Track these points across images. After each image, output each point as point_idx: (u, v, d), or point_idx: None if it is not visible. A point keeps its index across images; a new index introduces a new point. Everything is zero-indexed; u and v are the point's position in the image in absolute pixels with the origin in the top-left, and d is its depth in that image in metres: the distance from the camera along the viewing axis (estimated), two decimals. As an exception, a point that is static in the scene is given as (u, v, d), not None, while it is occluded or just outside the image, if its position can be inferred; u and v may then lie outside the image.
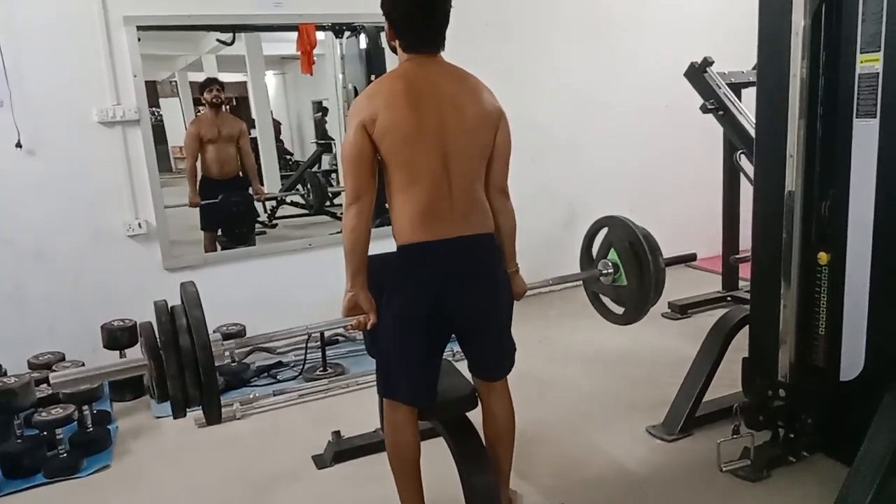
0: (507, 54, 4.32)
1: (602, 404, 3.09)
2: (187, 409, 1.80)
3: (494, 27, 4.28)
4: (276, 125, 7.28)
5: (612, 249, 2.48)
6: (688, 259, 2.78)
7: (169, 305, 1.81)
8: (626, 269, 2.44)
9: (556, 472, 2.56)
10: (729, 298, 4.28)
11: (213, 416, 1.81)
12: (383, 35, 4.22)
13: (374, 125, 1.84)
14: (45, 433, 2.76)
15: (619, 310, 2.56)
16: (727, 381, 2.79)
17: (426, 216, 1.88)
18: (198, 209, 4.72)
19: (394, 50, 1.98)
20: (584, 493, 2.42)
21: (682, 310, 4.20)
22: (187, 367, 1.72)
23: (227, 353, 1.87)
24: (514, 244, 2.12)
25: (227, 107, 5.14)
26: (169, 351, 1.72)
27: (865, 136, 2.13)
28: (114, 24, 3.48)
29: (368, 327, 1.97)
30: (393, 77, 1.95)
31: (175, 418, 1.82)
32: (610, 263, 2.49)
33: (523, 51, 4.49)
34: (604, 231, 2.54)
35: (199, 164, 4.82)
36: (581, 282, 2.66)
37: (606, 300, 2.61)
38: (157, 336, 1.75)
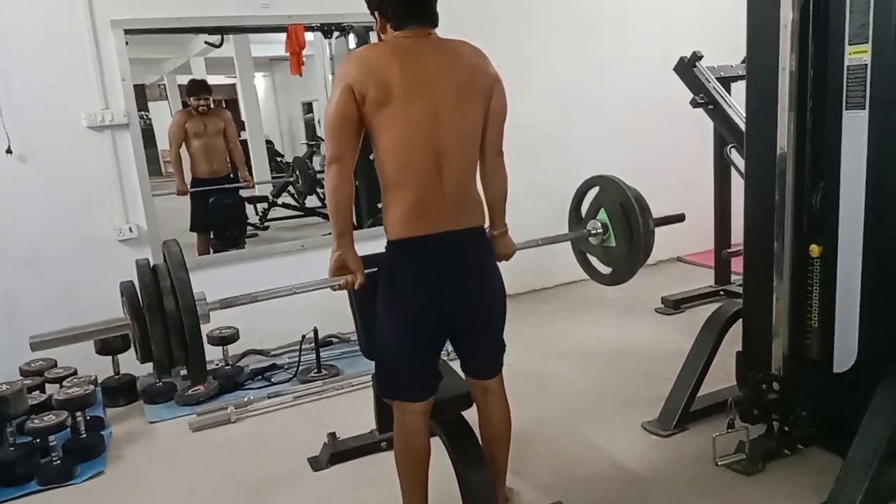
0: (495, 51, 4.20)
1: (597, 400, 3.09)
2: (172, 372, 1.78)
3: (482, 24, 4.25)
4: (269, 144, 7.26)
5: (602, 210, 2.45)
6: (676, 220, 2.74)
7: (151, 264, 1.77)
8: (615, 229, 2.42)
9: (552, 469, 2.56)
10: (721, 293, 4.29)
11: (200, 378, 1.78)
12: (372, 35, 4.25)
13: (365, 96, 1.79)
14: (38, 440, 2.74)
15: (606, 270, 2.53)
16: (721, 376, 2.80)
17: (417, 210, 1.86)
18: (188, 213, 4.71)
19: (381, 34, 1.94)
20: (580, 489, 2.42)
21: (674, 305, 4.20)
22: (172, 330, 1.68)
23: (209, 315, 1.81)
24: (504, 205, 2.10)
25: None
26: (153, 314, 1.68)
27: (855, 127, 2.13)
28: (101, 28, 3.45)
29: (356, 287, 1.93)
30: (382, 44, 1.93)
31: (159, 379, 1.79)
32: (599, 224, 2.46)
33: (511, 48, 4.46)
34: (594, 191, 2.52)
35: (187, 162, 4.80)
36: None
37: (594, 260, 2.58)
38: (140, 298, 1.70)
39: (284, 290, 2.05)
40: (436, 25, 1.93)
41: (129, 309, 1.71)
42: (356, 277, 1.92)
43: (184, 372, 1.83)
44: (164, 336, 1.68)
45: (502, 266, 2.10)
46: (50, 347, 1.91)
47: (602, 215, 2.46)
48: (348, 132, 1.83)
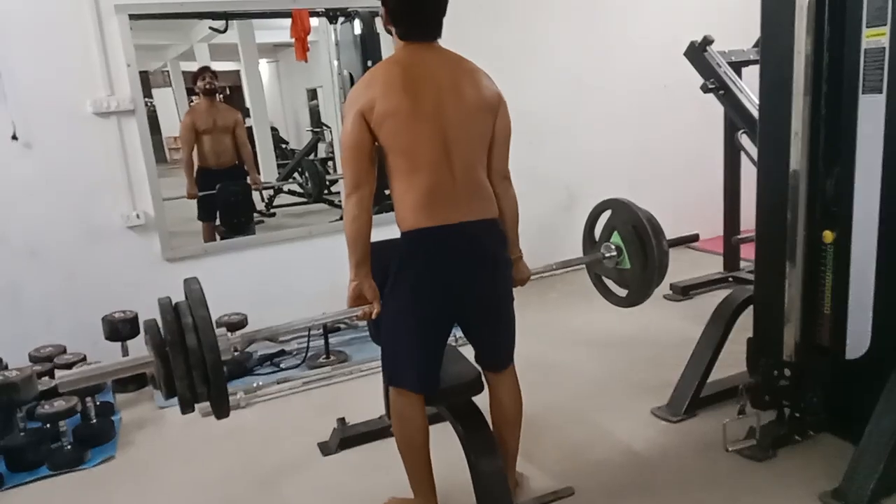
0: (500, 38, 4.28)
1: (606, 387, 3.09)
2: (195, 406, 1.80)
3: (487, 10, 4.23)
4: (273, 131, 7.24)
5: (616, 233, 2.47)
6: (690, 240, 2.78)
7: (173, 302, 1.79)
8: (629, 252, 2.43)
9: (562, 454, 2.56)
10: (730, 279, 4.28)
11: (222, 412, 1.81)
12: (378, 20, 4.21)
13: (373, 113, 1.82)
14: (48, 426, 2.75)
15: (622, 292, 2.55)
16: (731, 362, 2.79)
17: (429, 202, 1.87)
18: (195, 200, 4.70)
19: (389, 33, 1.96)
20: (590, 475, 2.42)
21: (683, 291, 4.19)
22: (195, 366, 1.71)
23: (232, 350, 1.87)
24: (517, 230, 2.11)
25: (221, 97, 5.09)
26: (176, 351, 1.71)
27: (872, 111, 2.11)
28: (105, 13, 3.42)
29: (373, 317, 1.96)
30: (389, 64, 1.93)
31: (183, 414, 1.81)
32: (613, 246, 2.48)
33: (516, 34, 4.45)
34: (606, 214, 2.53)
35: (195, 154, 4.79)
36: (583, 265, 2.64)
37: (609, 282, 2.60)
38: (163, 335, 1.73)
39: (304, 321, 2.16)
40: (440, 37, 1.95)
41: (153, 347, 1.75)
42: (373, 307, 1.94)
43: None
44: (187, 373, 1.72)
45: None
46: (77, 387, 1.97)
47: (615, 238, 2.47)
48: (364, 158, 1.86)
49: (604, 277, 2.60)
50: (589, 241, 2.59)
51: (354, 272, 1.93)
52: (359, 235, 1.88)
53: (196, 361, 1.72)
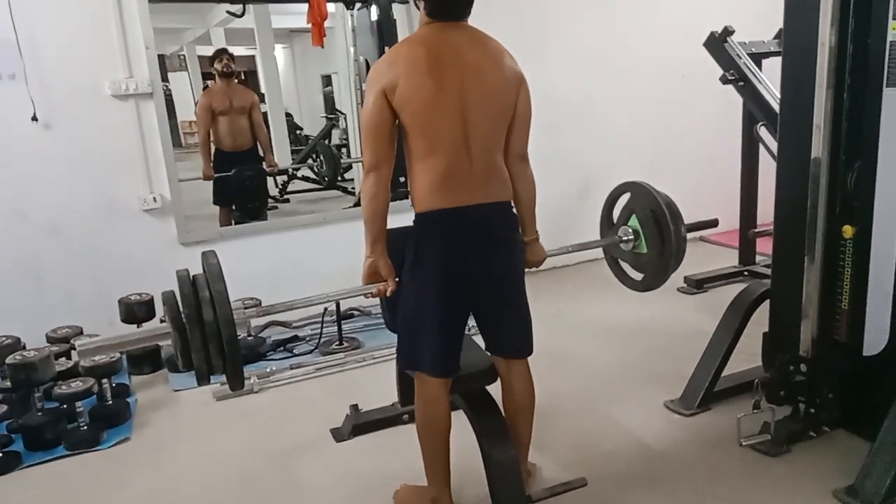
0: (521, 23, 4.24)
1: (619, 378, 3.08)
2: (211, 378, 1.82)
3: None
4: (288, 116, 7.25)
5: (634, 216, 2.44)
6: (709, 225, 2.73)
7: (191, 275, 1.80)
8: (646, 236, 2.40)
9: (574, 445, 2.56)
10: (746, 273, 4.24)
11: (237, 385, 1.83)
12: (395, 6, 4.19)
13: (395, 92, 1.81)
14: (65, 406, 2.78)
15: (637, 276, 2.52)
16: (746, 356, 2.77)
17: (446, 183, 1.87)
18: (211, 183, 4.72)
19: (418, 7, 1.93)
20: (602, 466, 2.42)
21: (697, 284, 4.17)
22: (211, 339, 1.73)
23: (247, 324, 1.89)
24: (534, 210, 2.09)
25: (237, 79, 5.11)
26: (193, 324, 1.72)
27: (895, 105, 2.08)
28: (125, -5, 3.43)
29: (388, 294, 1.96)
30: (413, 42, 1.91)
31: (199, 385, 1.84)
32: (630, 230, 2.44)
33: (538, 19, 4.41)
34: (625, 196, 2.49)
35: (211, 136, 4.81)
36: (599, 249, 2.62)
37: (625, 266, 2.57)
38: (181, 308, 1.75)
39: (318, 298, 2.12)
40: (468, 15, 1.92)
41: (170, 319, 1.76)
42: (388, 285, 1.94)
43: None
44: (203, 345, 1.74)
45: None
46: (96, 355, 1.99)
47: (633, 221, 2.44)
48: (384, 137, 1.85)
49: (620, 260, 2.58)
50: (607, 223, 2.56)
51: (371, 249, 1.92)
52: (376, 212, 1.88)
53: (212, 334, 1.74)
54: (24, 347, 3.08)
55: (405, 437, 2.15)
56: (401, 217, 1.99)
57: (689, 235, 2.39)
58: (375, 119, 1.84)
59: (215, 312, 1.73)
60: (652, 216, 2.36)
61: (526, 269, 2.10)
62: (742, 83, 3.53)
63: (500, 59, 1.92)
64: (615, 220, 2.52)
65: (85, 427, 2.76)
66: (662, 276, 2.42)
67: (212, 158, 4.76)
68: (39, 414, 2.78)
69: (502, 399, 2.18)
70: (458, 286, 1.93)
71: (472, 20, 1.94)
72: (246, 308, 3.34)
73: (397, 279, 1.97)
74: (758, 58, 3.64)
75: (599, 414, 2.78)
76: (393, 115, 1.84)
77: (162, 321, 1.88)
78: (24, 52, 3.26)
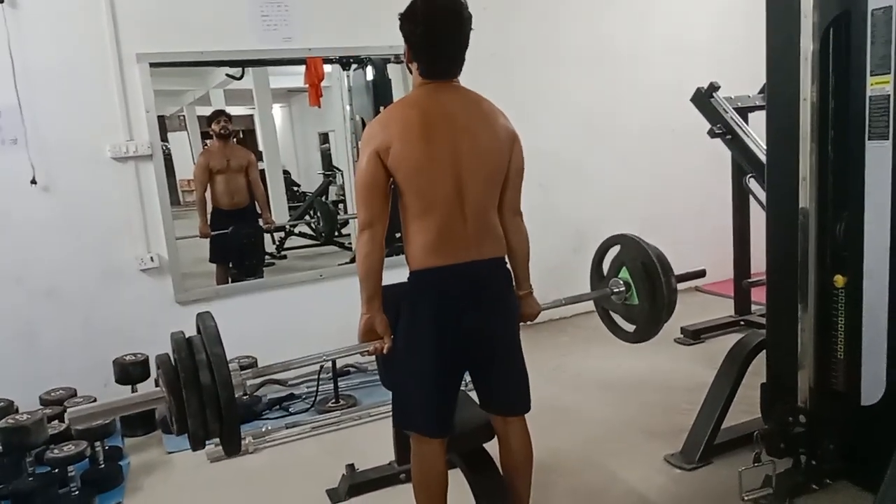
0: (513, 84, 4.34)
1: (618, 432, 3.05)
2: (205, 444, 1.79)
3: (500, 58, 4.31)
4: (286, 174, 7.36)
5: (624, 268, 2.46)
6: (697, 276, 2.76)
7: (186, 337, 1.80)
8: (637, 288, 2.42)
9: (574, 502, 2.52)
10: (742, 323, 4.24)
11: (233, 449, 1.80)
12: (390, 66, 4.31)
13: (389, 153, 1.84)
14: (56, 470, 2.73)
15: (629, 327, 2.53)
16: (744, 408, 2.76)
17: (440, 242, 1.89)
18: (207, 241, 4.74)
19: (410, 71, 1.99)
20: (603, 524, 2.38)
21: (694, 335, 4.16)
22: (208, 403, 1.70)
23: (244, 385, 1.86)
24: (527, 265, 2.11)
25: (235, 139, 5.20)
26: (190, 388, 1.70)
27: (878, 157, 2.13)
28: (127, 62, 3.52)
29: (385, 351, 1.95)
30: (406, 104, 1.96)
31: (193, 451, 1.81)
32: (621, 282, 2.46)
33: (529, 80, 4.52)
34: (614, 250, 2.52)
35: (208, 194, 4.86)
36: (591, 301, 2.63)
37: (617, 318, 2.58)
38: (178, 372, 1.73)
39: (314, 357, 2.11)
40: (459, 74, 1.98)
41: (165, 384, 1.73)
42: (384, 342, 1.94)
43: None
44: (200, 409, 1.70)
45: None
46: (88, 422, 1.93)
47: (624, 273, 2.46)
48: (378, 196, 1.88)
49: (611, 312, 2.58)
50: (597, 275, 2.58)
51: (367, 306, 1.93)
52: (371, 270, 1.89)
53: (209, 398, 1.71)
54: (16, 410, 3.04)
55: (402, 496, 2.11)
56: (398, 272, 2.00)
57: (684, 286, 2.41)
58: (369, 179, 1.87)
59: (213, 376, 1.70)
60: (642, 268, 2.38)
61: (521, 323, 2.11)
62: (729, 136, 3.59)
63: (494, 119, 1.96)
64: (605, 273, 2.54)
65: (76, 492, 2.70)
66: (655, 328, 2.42)
67: (209, 216, 4.80)
68: (30, 479, 2.72)
69: (500, 457, 2.15)
70: (452, 344, 1.93)
71: (466, 82, 2.00)
72: (242, 369, 3.34)
73: (392, 336, 1.97)
74: (744, 112, 3.72)
75: (599, 469, 2.74)
76: (387, 175, 1.87)
77: (156, 382, 1.84)
78: (25, 117, 3.32)
